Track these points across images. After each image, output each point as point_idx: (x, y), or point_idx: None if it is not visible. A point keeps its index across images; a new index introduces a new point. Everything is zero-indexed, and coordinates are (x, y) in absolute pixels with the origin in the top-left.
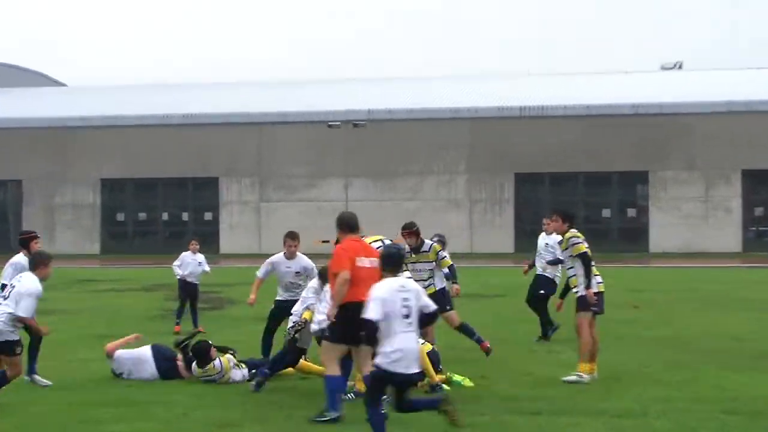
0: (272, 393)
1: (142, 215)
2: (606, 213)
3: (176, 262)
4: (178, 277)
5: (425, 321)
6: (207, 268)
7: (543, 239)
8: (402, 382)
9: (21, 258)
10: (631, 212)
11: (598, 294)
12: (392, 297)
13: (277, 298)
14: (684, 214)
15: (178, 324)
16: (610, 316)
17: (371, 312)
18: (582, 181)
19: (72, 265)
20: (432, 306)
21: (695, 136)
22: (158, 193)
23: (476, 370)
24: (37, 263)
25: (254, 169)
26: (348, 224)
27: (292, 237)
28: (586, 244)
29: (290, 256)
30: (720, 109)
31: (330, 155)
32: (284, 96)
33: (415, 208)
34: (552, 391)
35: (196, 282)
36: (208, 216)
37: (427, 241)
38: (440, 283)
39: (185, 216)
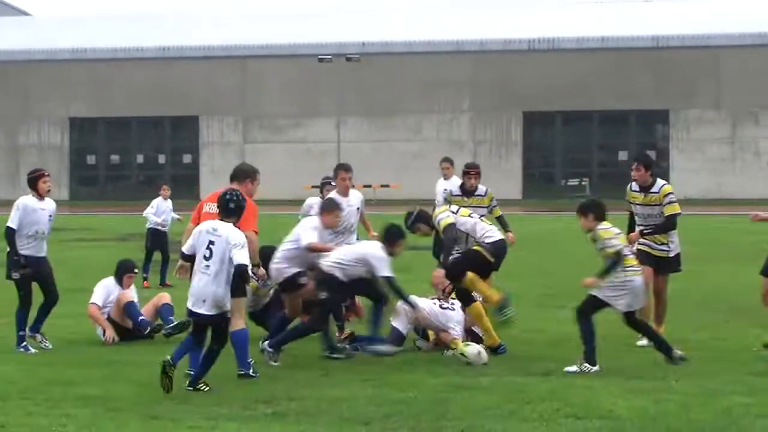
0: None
1: (115, 158)
2: (623, 156)
3: (149, 209)
4: (151, 225)
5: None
6: (176, 215)
7: None
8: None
9: (28, 200)
10: (651, 155)
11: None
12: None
13: None
14: (708, 157)
15: (146, 279)
16: None
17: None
18: (597, 120)
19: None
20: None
21: (722, 72)
22: (132, 134)
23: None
24: None
25: (237, 108)
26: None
27: (346, 169)
28: None
29: (345, 192)
30: (749, 41)
31: (320, 92)
32: (270, 28)
33: (415, 150)
34: (564, 351)
35: (166, 230)
36: (186, 159)
37: (482, 186)
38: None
39: (162, 158)
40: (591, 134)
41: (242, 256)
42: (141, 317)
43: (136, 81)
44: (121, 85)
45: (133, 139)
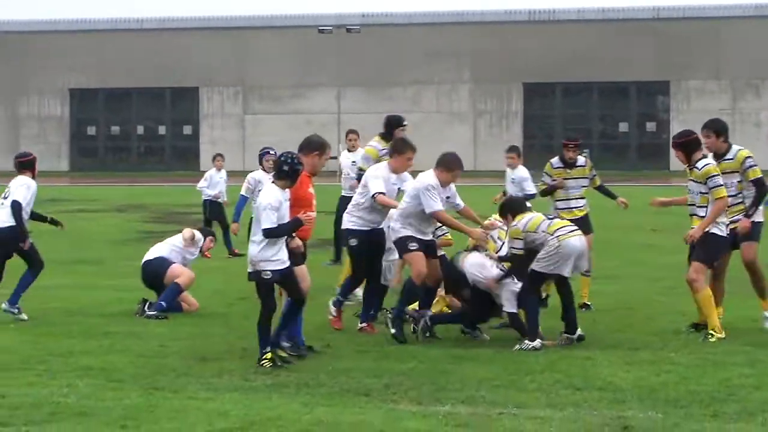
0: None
1: (115, 129)
2: (623, 127)
3: (203, 182)
4: (207, 197)
5: None
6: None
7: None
8: None
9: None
10: (651, 126)
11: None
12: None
13: None
14: None
15: (232, 251)
16: (626, 239)
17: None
18: (597, 92)
19: (38, 183)
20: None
21: (722, 43)
22: (132, 105)
23: None
24: None
25: (237, 79)
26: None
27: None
28: None
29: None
30: (751, 12)
31: (320, 63)
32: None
33: (415, 121)
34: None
35: (221, 201)
36: (187, 130)
37: (581, 157)
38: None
39: (162, 130)
40: (591, 106)
41: (265, 220)
42: (161, 302)
43: (135, 52)
44: (121, 57)
45: (133, 111)
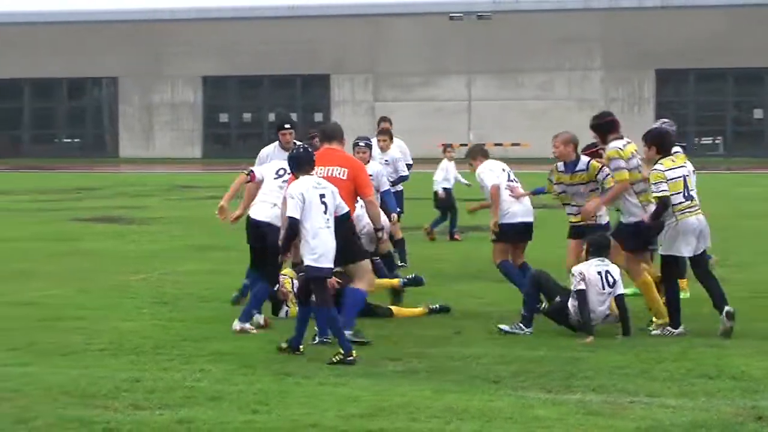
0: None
1: (247, 116)
2: (758, 114)
3: (440, 172)
4: (445, 186)
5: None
6: (464, 180)
7: None
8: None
9: None
10: None
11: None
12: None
13: None
14: None
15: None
16: (758, 227)
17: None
18: (731, 78)
19: (170, 170)
20: (345, 208)
21: None
22: (264, 92)
23: None
24: None
25: (367, 66)
26: (324, 134)
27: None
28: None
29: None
30: None
31: (451, 50)
32: None
33: (545, 108)
34: (699, 311)
35: (451, 188)
36: (318, 117)
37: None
38: None
39: (293, 116)
40: (725, 92)
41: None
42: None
43: (267, 39)
44: (252, 44)
45: (264, 98)
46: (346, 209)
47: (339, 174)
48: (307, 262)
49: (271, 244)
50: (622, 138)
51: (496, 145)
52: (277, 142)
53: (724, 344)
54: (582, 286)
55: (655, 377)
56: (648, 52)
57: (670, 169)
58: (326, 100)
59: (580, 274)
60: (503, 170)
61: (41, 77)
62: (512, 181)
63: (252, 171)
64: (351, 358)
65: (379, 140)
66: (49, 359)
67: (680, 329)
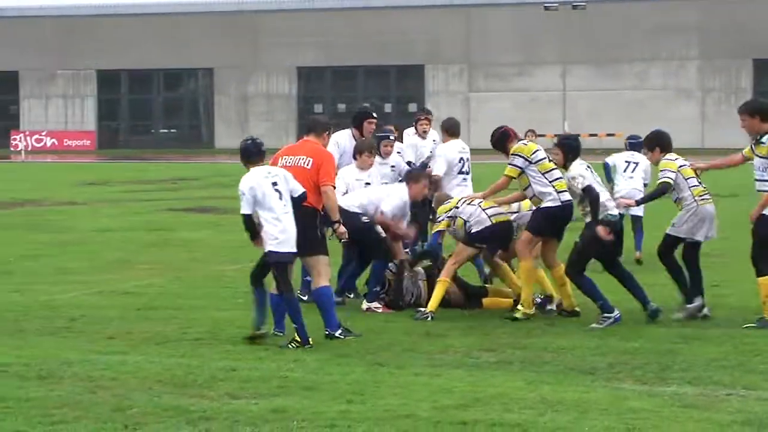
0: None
1: (341, 106)
2: None
3: None
4: None
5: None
6: None
7: None
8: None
9: None
10: None
11: None
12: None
13: None
14: None
15: None
16: None
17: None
18: None
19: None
20: (299, 189)
21: None
22: (358, 82)
23: (710, 278)
24: None
25: (462, 56)
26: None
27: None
28: None
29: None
30: None
31: (545, 41)
32: None
33: (641, 98)
34: None
35: None
36: (412, 107)
37: None
38: None
39: (388, 107)
40: None
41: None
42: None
43: (362, 30)
44: (347, 34)
45: (359, 88)
46: (301, 190)
47: (304, 163)
48: (268, 247)
49: (350, 229)
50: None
51: (591, 135)
52: (350, 130)
53: None
54: (587, 182)
55: (753, 369)
56: (746, 41)
57: (677, 158)
58: (420, 91)
59: (581, 176)
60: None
61: (138, 68)
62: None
63: None
64: (308, 346)
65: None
66: (146, 348)
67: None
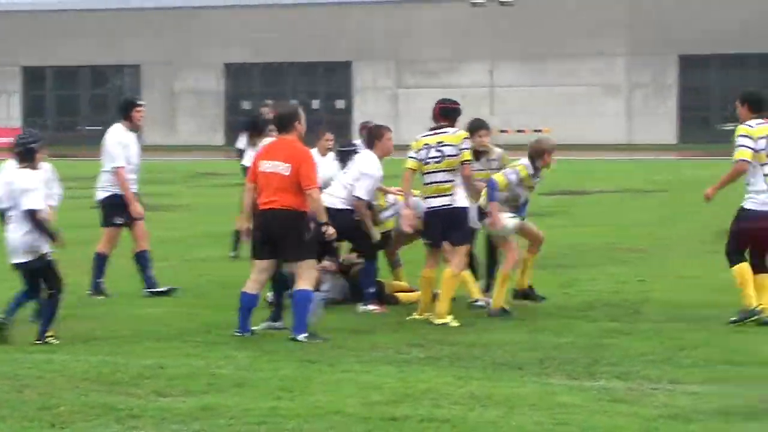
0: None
1: (269, 103)
2: None
3: None
4: None
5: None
6: None
7: None
8: None
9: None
10: None
11: None
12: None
13: None
14: None
15: None
16: None
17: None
18: (755, 64)
19: (193, 158)
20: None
21: None
22: (286, 79)
23: (635, 272)
24: None
25: (390, 52)
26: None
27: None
28: None
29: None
30: None
31: (474, 37)
32: None
33: (569, 94)
34: (723, 298)
35: None
36: (340, 104)
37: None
38: None
39: (315, 104)
40: (749, 79)
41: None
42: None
43: (289, 26)
44: (274, 31)
45: (287, 84)
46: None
47: (283, 170)
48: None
49: (342, 229)
50: None
51: (518, 131)
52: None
53: (748, 331)
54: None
55: (679, 364)
56: (672, 38)
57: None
58: (348, 88)
59: None
60: None
61: (64, 65)
62: None
63: None
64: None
65: None
66: (72, 347)
67: None
